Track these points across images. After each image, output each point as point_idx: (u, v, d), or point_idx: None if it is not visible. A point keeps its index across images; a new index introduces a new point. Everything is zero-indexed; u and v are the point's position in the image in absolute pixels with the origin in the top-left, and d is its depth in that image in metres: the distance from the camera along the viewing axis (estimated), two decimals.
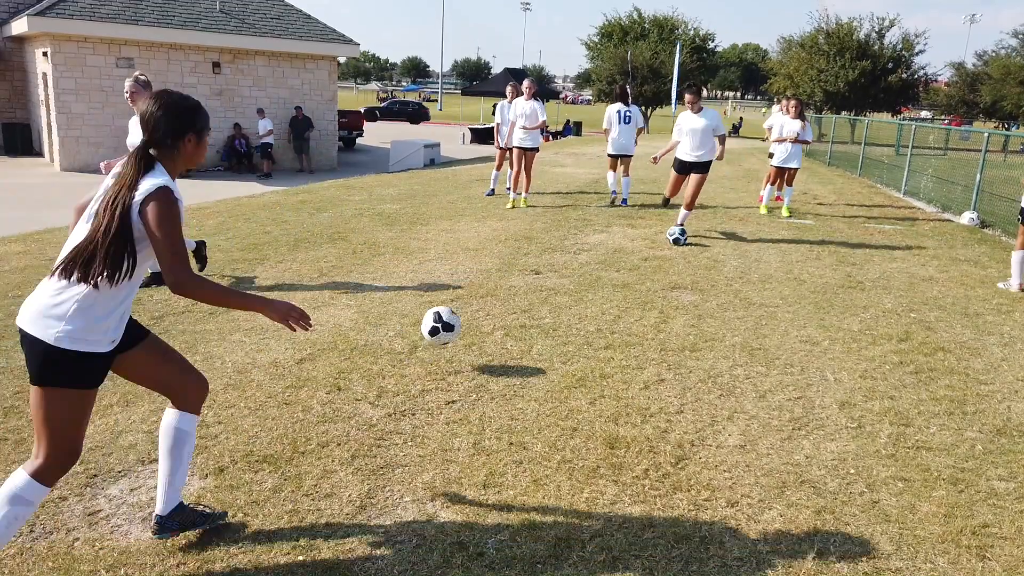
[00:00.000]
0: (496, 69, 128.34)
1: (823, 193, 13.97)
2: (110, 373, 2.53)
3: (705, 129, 8.55)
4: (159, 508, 2.77)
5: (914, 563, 2.84)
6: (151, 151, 2.47)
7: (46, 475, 2.43)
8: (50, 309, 2.36)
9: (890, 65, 40.35)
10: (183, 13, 19.18)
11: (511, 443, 3.66)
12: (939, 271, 7.75)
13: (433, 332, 4.41)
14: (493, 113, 13.70)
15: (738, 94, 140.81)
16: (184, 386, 2.72)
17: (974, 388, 4.60)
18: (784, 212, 10.88)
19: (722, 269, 7.37)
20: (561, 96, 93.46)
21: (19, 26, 17.89)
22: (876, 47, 40.34)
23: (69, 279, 2.36)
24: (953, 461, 3.65)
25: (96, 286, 2.35)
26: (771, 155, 11.54)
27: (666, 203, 9.90)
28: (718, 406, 4.19)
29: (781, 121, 10.89)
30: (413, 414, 3.93)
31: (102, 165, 4.71)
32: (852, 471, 3.51)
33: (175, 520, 2.76)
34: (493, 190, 12.07)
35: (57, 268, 2.39)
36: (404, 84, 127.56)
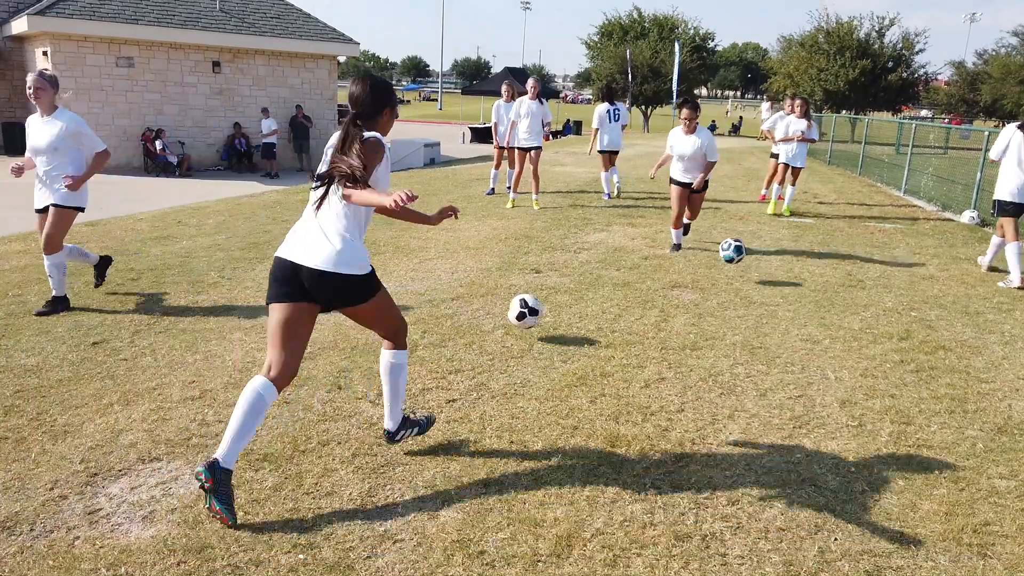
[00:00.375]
0: (496, 68, 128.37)
1: (824, 192, 13.97)
2: None
3: (695, 155, 7.53)
4: (388, 424, 3.46)
5: (915, 561, 2.84)
6: (358, 121, 3.02)
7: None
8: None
9: (890, 64, 40.35)
10: (183, 12, 19.17)
11: (511, 442, 3.66)
12: (940, 270, 7.74)
13: (520, 317, 4.93)
14: None
15: (738, 93, 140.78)
16: (399, 329, 3.31)
17: (975, 386, 4.60)
18: (785, 211, 10.89)
19: (722, 268, 7.36)
20: (561, 95, 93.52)
21: (19, 25, 17.88)
22: (876, 46, 40.33)
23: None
24: (954, 459, 3.65)
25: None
26: (774, 155, 11.56)
27: (686, 230, 8.31)
28: (719, 404, 4.19)
29: (786, 121, 10.92)
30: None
31: (11, 167, 4.78)
32: (853, 469, 3.51)
33: (403, 431, 3.47)
34: (493, 189, 12.06)
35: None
36: (404, 83, 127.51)
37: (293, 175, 19.37)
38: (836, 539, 2.96)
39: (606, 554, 2.81)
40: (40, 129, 5.37)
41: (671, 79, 39.84)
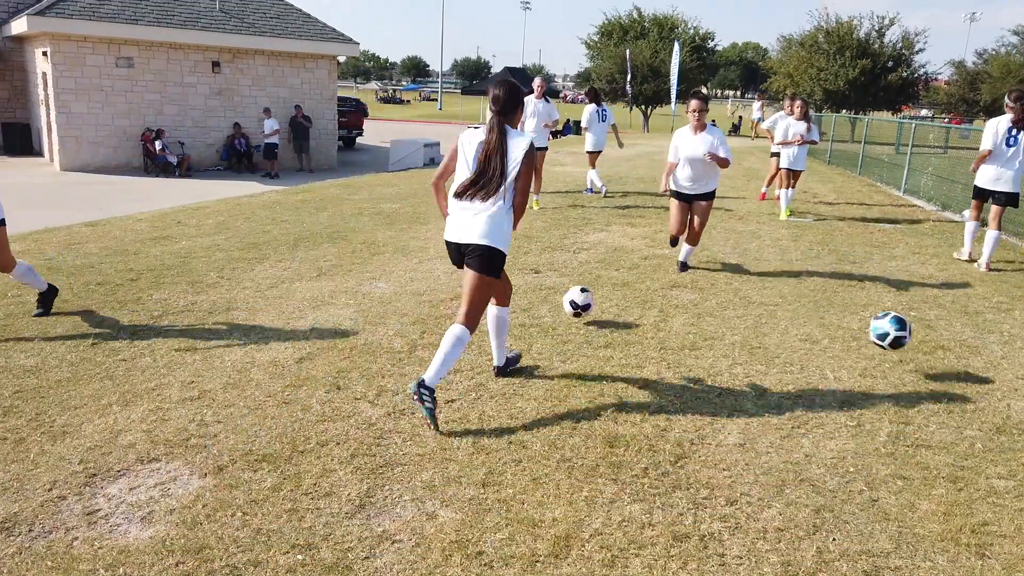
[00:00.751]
0: (496, 68, 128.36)
1: (823, 192, 13.97)
2: None
3: (709, 151, 6.54)
4: (498, 361, 4.47)
5: (913, 561, 2.84)
6: (500, 117, 3.82)
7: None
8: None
9: (890, 64, 40.30)
10: (183, 12, 19.18)
11: (510, 442, 3.66)
12: (939, 269, 7.75)
13: (576, 316, 5.40)
14: None
15: (738, 93, 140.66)
16: (505, 289, 4.19)
17: (974, 386, 4.60)
18: (785, 212, 10.87)
19: (722, 268, 7.36)
20: (561, 95, 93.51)
21: (19, 26, 17.89)
22: (876, 45, 40.28)
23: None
24: (952, 459, 3.65)
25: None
26: (775, 155, 11.52)
27: (674, 243, 7.36)
28: (718, 404, 4.19)
29: (786, 122, 10.84)
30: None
31: None
32: (851, 469, 3.51)
33: (508, 366, 4.50)
34: None
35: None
36: (404, 83, 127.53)
37: (293, 175, 19.38)
38: (834, 539, 2.96)
39: (604, 554, 2.81)
40: None
41: (671, 79, 39.78)
